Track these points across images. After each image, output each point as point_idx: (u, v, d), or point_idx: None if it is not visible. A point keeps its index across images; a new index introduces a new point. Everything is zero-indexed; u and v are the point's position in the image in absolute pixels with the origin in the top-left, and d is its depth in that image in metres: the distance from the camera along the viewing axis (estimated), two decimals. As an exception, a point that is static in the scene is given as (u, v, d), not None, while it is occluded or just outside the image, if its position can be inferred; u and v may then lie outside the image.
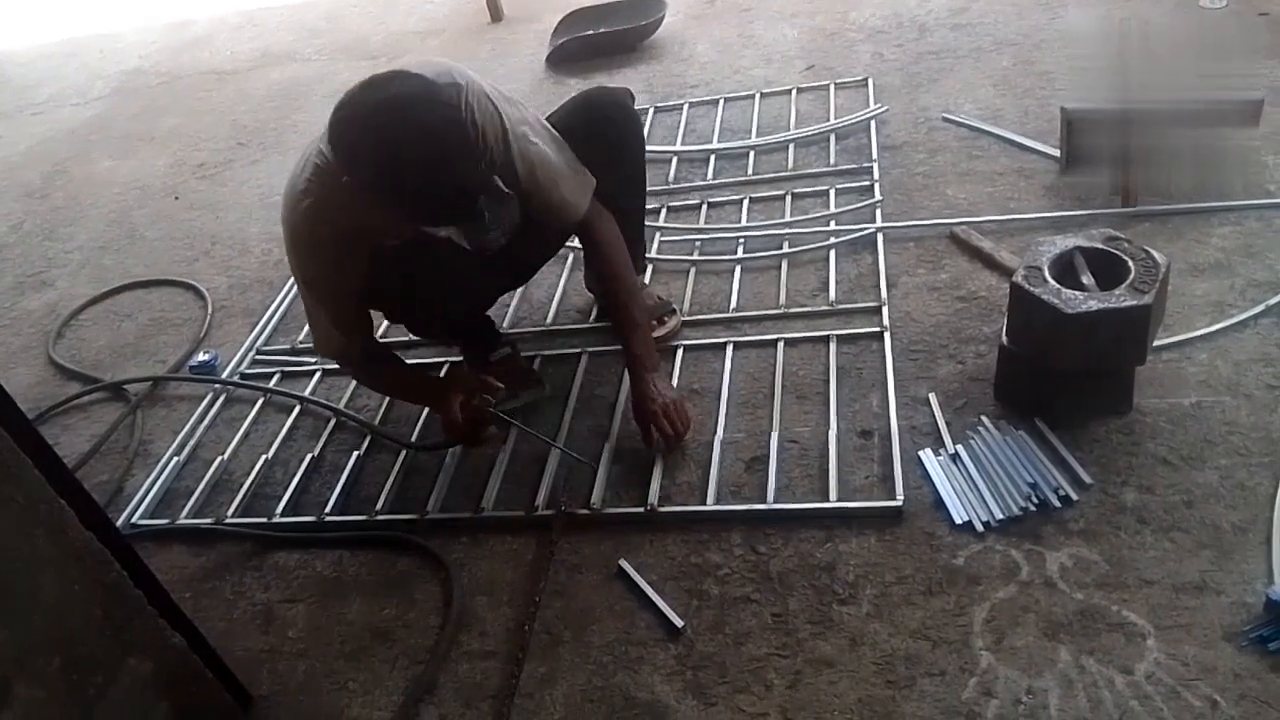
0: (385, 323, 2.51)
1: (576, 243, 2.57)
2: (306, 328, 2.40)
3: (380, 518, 1.96)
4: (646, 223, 2.34)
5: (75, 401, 2.53)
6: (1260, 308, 1.95)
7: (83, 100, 4.66)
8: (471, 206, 1.59)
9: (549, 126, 1.86)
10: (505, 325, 2.39)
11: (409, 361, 2.36)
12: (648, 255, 2.43)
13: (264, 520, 2.02)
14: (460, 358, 2.27)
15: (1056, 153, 2.50)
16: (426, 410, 2.18)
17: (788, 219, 2.55)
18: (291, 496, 2.05)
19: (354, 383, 2.32)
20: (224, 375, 2.49)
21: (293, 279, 2.17)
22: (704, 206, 2.67)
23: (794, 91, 3.13)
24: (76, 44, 5.48)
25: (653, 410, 1.89)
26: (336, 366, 2.40)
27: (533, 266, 2.23)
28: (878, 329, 2.12)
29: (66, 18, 6.03)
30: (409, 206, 1.57)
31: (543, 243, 2.14)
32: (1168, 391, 1.83)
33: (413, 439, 2.13)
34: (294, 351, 2.52)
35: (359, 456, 2.11)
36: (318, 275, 1.78)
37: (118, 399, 2.51)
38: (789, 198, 2.62)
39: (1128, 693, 1.39)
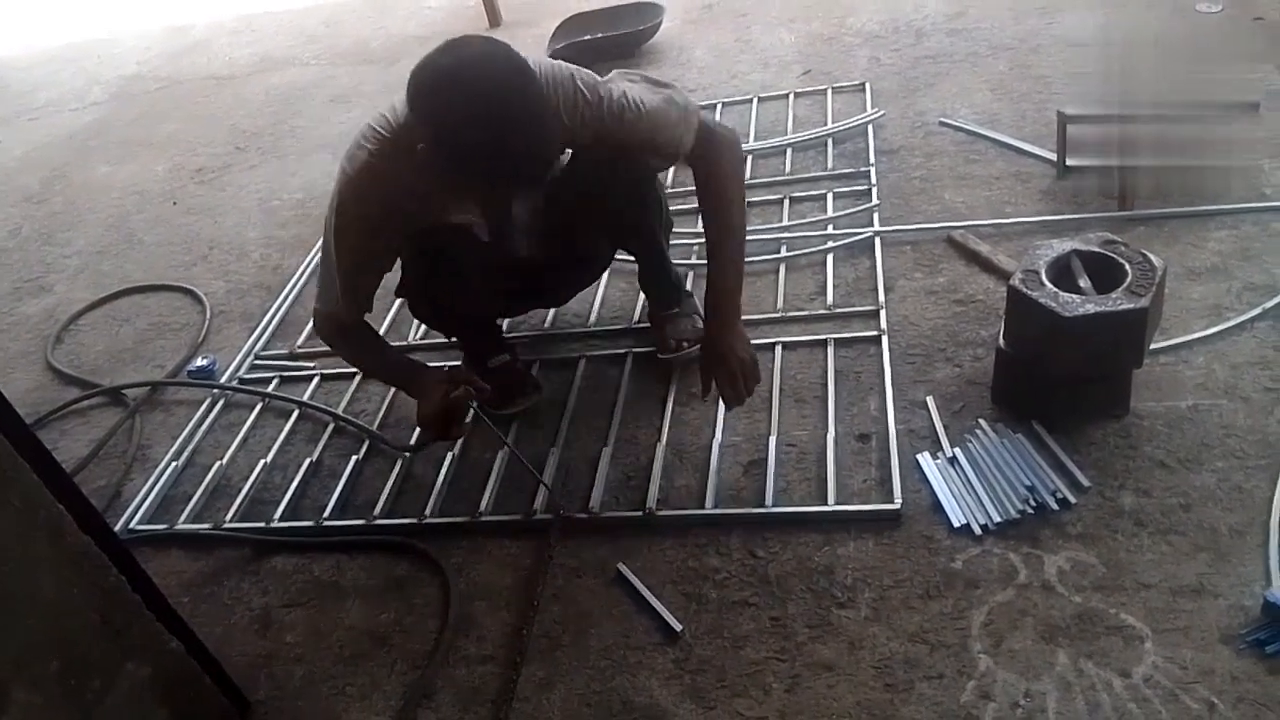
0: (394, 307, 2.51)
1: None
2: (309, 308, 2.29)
3: (378, 522, 1.96)
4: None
5: (73, 406, 2.52)
6: (1257, 311, 1.95)
7: (81, 105, 4.67)
8: (534, 171, 1.59)
9: (645, 76, 1.80)
10: (504, 330, 2.39)
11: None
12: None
13: (262, 525, 2.01)
14: (458, 363, 2.27)
15: (1053, 157, 2.50)
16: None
17: (785, 223, 2.55)
18: (290, 501, 2.05)
19: (352, 387, 2.32)
20: (222, 380, 2.48)
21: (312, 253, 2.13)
22: (702, 211, 2.67)
23: (791, 96, 3.14)
24: (74, 49, 5.48)
25: (729, 368, 1.79)
26: (337, 366, 2.40)
27: (569, 287, 2.22)
28: (875, 333, 2.12)
29: (64, 23, 6.04)
30: (472, 159, 1.54)
31: (581, 265, 2.14)
32: (1165, 395, 1.83)
33: (411, 442, 2.13)
34: (292, 356, 2.52)
35: (357, 461, 2.11)
36: (351, 231, 1.75)
37: (115, 404, 2.50)
38: (786, 202, 2.63)
39: (1126, 696, 1.39)
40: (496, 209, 1.78)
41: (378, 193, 1.69)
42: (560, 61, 1.72)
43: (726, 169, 1.80)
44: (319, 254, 1.85)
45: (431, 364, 2.33)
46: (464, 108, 1.49)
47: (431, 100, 1.53)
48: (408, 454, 2.11)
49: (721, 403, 1.91)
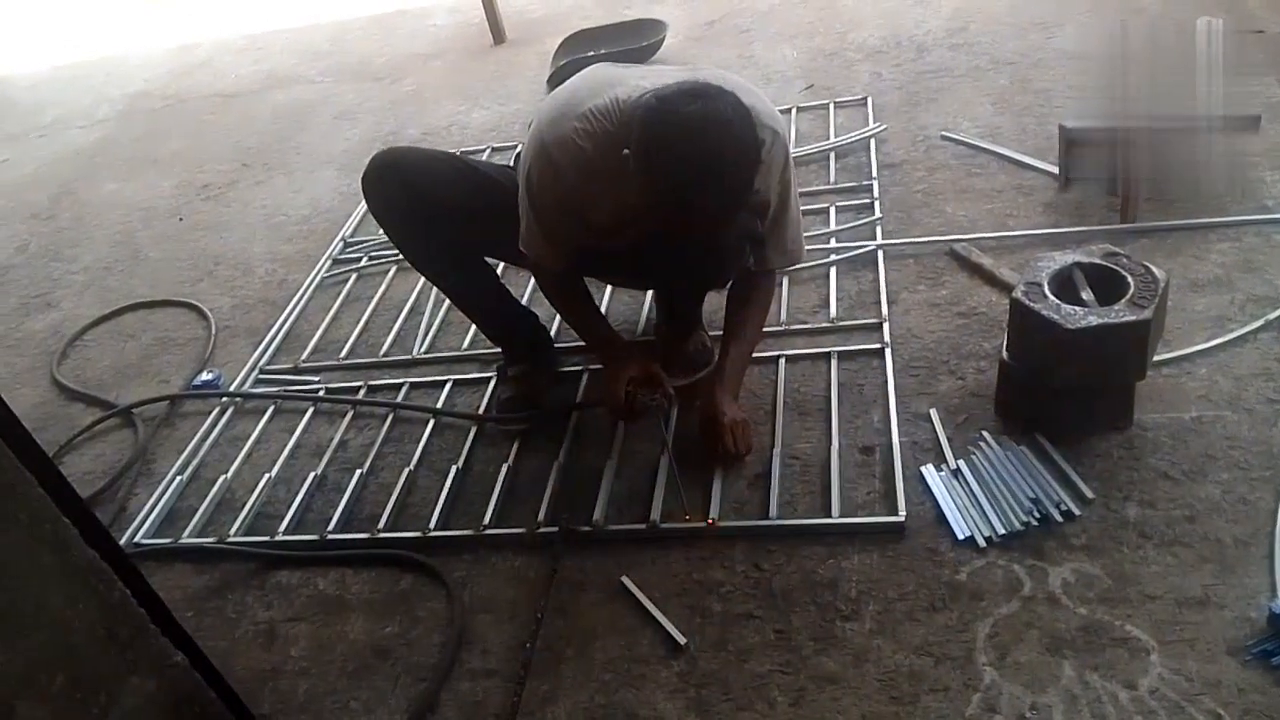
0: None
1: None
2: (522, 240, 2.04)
3: (382, 536, 1.96)
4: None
5: (82, 423, 2.52)
6: (1260, 322, 1.96)
7: (88, 123, 4.70)
8: (711, 231, 1.66)
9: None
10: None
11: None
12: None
13: (267, 539, 2.02)
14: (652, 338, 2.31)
15: (1055, 170, 2.51)
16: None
17: (788, 237, 2.56)
18: (294, 515, 2.06)
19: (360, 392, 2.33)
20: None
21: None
22: (705, 225, 2.68)
23: (794, 111, 3.15)
24: (82, 68, 5.53)
25: (722, 424, 1.90)
26: (341, 380, 2.42)
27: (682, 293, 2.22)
28: (879, 345, 2.13)
29: (72, 42, 6.09)
30: (665, 201, 1.58)
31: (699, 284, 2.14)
32: (1168, 406, 1.83)
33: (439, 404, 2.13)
34: (297, 371, 2.53)
35: (362, 475, 2.11)
36: (541, 194, 1.77)
37: (123, 419, 2.51)
38: (789, 216, 2.64)
39: (1132, 708, 1.39)
40: (649, 232, 1.76)
41: (582, 163, 1.70)
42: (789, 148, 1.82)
43: (769, 300, 2.05)
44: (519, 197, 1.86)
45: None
46: (689, 162, 1.51)
47: (664, 141, 1.53)
48: (485, 421, 2.18)
49: (719, 459, 1.93)
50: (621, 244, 1.81)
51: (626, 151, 1.59)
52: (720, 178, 1.53)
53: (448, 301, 2.55)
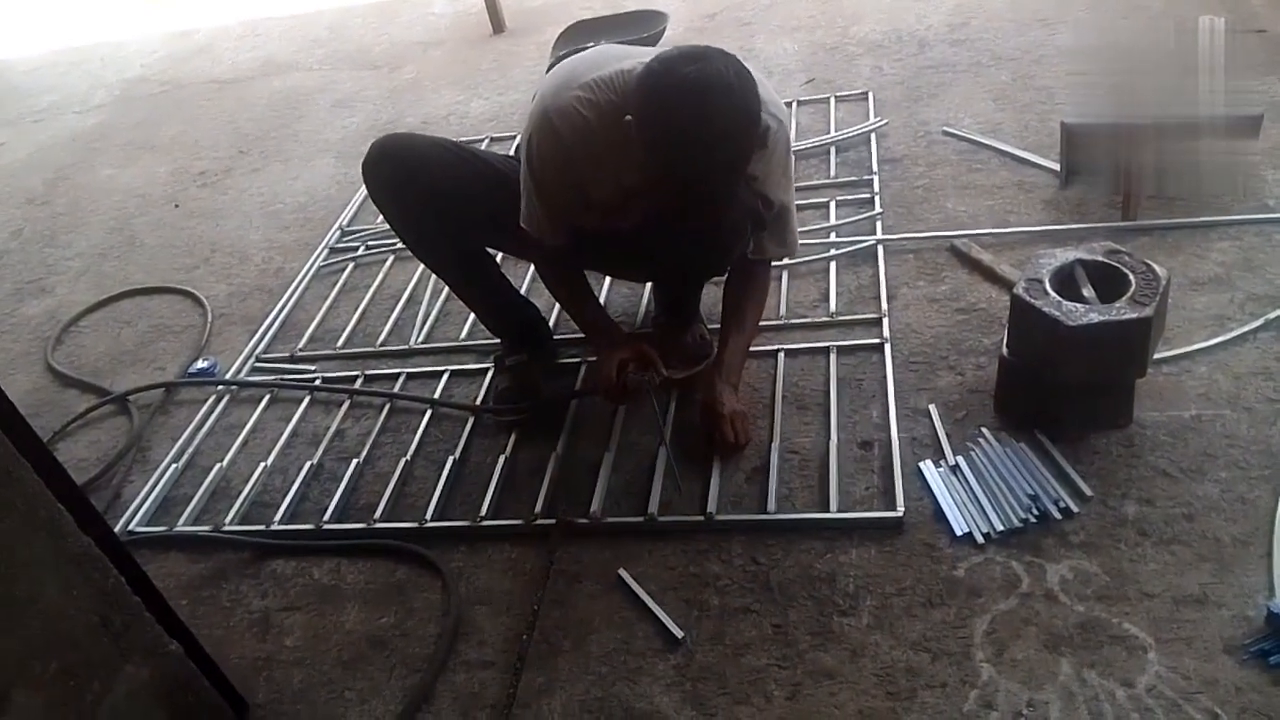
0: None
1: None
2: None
3: (379, 526, 1.95)
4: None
5: (76, 409, 2.51)
6: (1260, 321, 1.96)
7: (84, 108, 4.67)
8: (712, 201, 1.63)
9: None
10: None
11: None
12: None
13: (262, 528, 2.01)
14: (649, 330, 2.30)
15: (1056, 167, 2.51)
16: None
17: (788, 230, 2.55)
18: (290, 504, 2.05)
19: (357, 383, 2.33)
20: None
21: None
22: (704, 218, 2.67)
23: (794, 104, 3.14)
24: (79, 52, 5.50)
25: (721, 414, 1.90)
26: (338, 369, 2.40)
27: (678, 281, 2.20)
28: (878, 340, 2.12)
29: (69, 26, 6.06)
30: (664, 165, 1.56)
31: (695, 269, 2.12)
32: (1168, 404, 1.83)
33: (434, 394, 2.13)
34: (293, 360, 2.52)
35: (358, 464, 2.10)
36: (545, 167, 1.75)
37: (118, 406, 2.50)
38: (789, 209, 2.63)
39: (1129, 706, 1.39)
40: (654, 206, 1.75)
41: (582, 130, 1.69)
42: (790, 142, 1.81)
43: (767, 290, 2.07)
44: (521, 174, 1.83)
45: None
46: (687, 124, 1.48)
47: (652, 100, 1.51)
48: (483, 413, 2.17)
49: (718, 450, 1.93)
50: (623, 225, 1.80)
51: (629, 118, 1.57)
52: (716, 144, 1.50)
53: (445, 291, 2.54)
